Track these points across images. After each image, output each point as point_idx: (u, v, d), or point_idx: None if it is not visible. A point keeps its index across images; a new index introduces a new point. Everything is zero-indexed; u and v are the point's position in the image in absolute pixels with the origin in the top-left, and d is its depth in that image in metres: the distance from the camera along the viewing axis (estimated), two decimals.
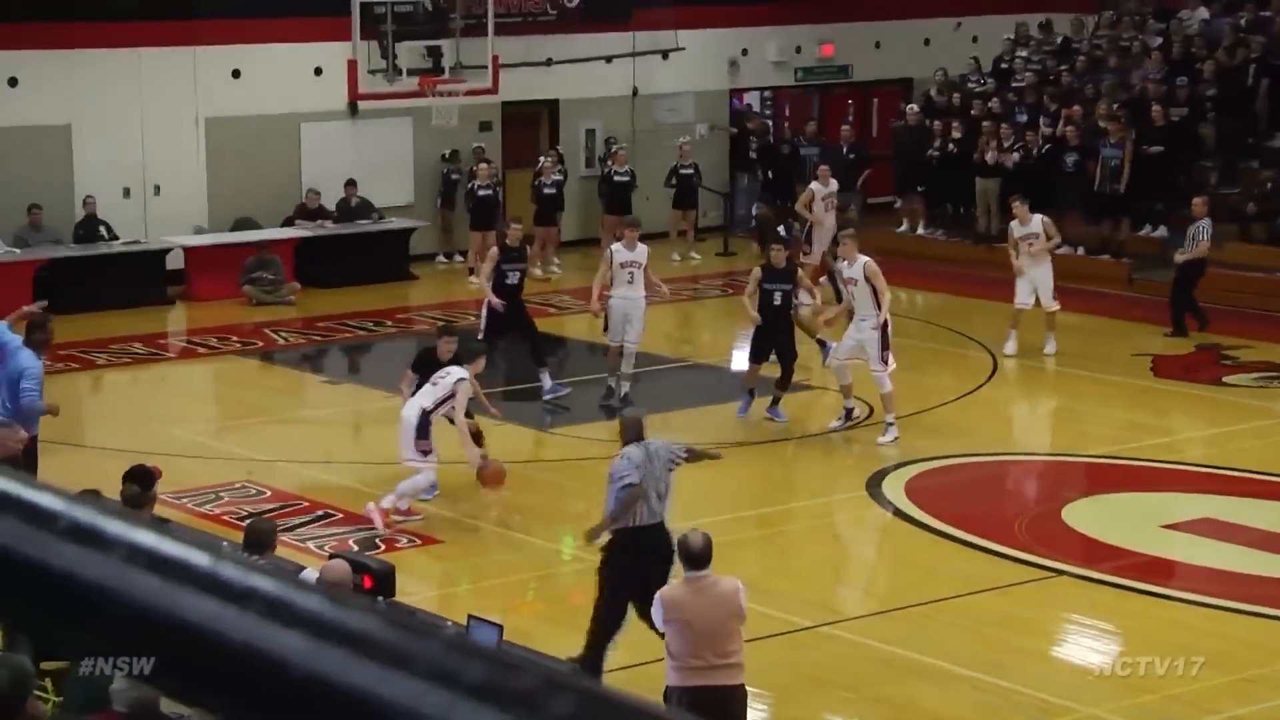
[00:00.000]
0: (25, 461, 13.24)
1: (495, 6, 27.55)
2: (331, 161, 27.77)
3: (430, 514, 15.98)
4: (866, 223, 28.00)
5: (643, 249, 19.71)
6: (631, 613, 11.93)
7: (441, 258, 28.83)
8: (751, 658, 10.93)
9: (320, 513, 16.13)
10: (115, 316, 24.27)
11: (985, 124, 28.36)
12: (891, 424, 18.36)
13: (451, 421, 15.69)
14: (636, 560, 11.91)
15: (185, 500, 16.24)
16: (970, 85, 31.00)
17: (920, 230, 29.70)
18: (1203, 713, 11.95)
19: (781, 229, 25.11)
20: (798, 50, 32.67)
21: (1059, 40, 32.26)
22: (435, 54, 27.42)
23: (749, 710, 10.81)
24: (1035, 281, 22.04)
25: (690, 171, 29.52)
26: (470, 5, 27.57)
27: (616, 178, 28.62)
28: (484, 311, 19.82)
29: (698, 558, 10.29)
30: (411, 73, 27.24)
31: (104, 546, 1.96)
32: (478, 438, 16.13)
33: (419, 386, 15.91)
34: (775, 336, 18.88)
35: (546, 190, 27.99)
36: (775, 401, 19.13)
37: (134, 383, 22.21)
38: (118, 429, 18.98)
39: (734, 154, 31.78)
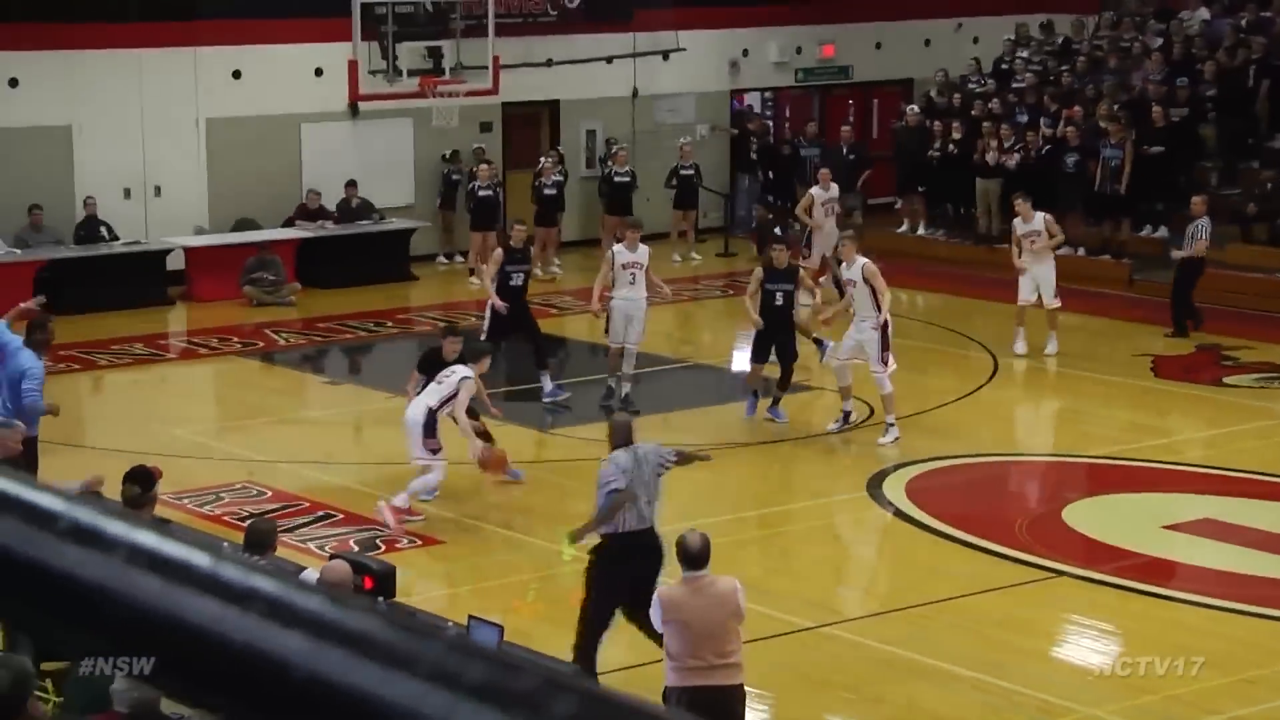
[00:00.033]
0: (26, 462, 13.23)
1: (496, 7, 27.54)
2: (332, 162, 27.78)
3: (431, 514, 15.99)
4: (867, 223, 28.04)
5: (644, 250, 19.71)
6: (619, 617, 11.96)
7: (442, 258, 28.83)
8: (752, 658, 10.94)
9: (321, 513, 16.13)
10: (116, 317, 24.27)
11: (986, 125, 28.36)
12: (892, 425, 18.37)
13: (455, 421, 15.73)
14: (625, 565, 11.93)
15: (186, 501, 16.25)
16: (971, 86, 31.00)
17: (921, 231, 29.71)
18: (1203, 713, 11.95)
19: (778, 229, 25.11)
20: (798, 51, 32.67)
21: (1059, 41, 32.26)
22: (436, 55, 27.42)
23: (749, 710, 10.82)
24: (1038, 279, 22.05)
25: (691, 172, 29.52)
26: (471, 6, 27.57)
27: (617, 178, 28.63)
28: (487, 312, 19.82)
29: (696, 558, 10.29)
30: (412, 73, 27.24)
31: (105, 547, 1.96)
32: (485, 438, 16.19)
33: (424, 386, 15.96)
34: (776, 337, 18.88)
35: (547, 191, 28.00)
36: (776, 402, 19.14)
37: (135, 383, 22.20)
38: (118, 429, 18.98)
39: (734, 155, 31.79)
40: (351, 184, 27.69)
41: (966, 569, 14.89)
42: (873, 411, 19.01)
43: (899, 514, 16.37)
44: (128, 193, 26.61)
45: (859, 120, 32.95)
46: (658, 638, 11.70)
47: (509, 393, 19.99)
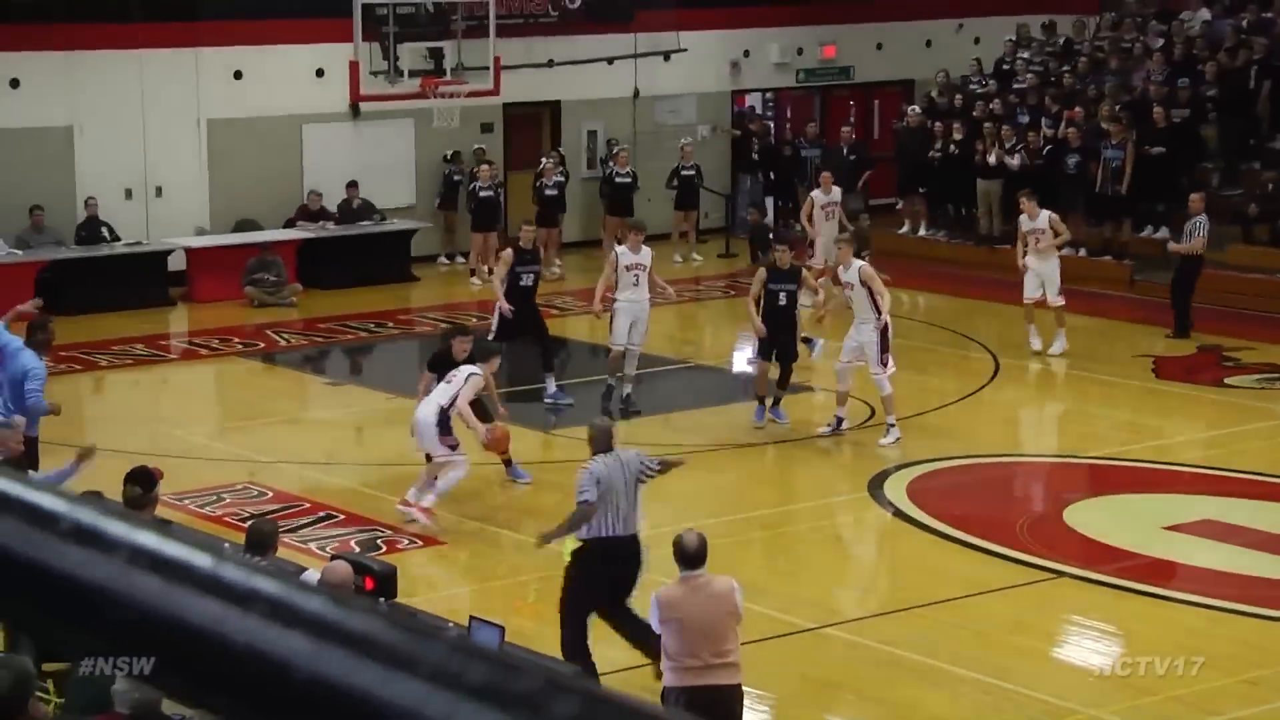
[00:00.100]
0: (27, 462, 13.25)
1: (497, 8, 27.55)
2: (333, 163, 27.79)
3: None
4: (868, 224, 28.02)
5: (647, 252, 19.71)
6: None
7: (443, 259, 28.83)
8: (753, 659, 10.94)
9: (322, 514, 16.13)
10: (117, 318, 24.28)
11: (987, 125, 28.35)
12: (893, 425, 18.37)
13: (458, 410, 15.78)
14: (605, 569, 12.01)
15: (187, 501, 16.25)
16: (972, 87, 30.99)
17: (922, 232, 29.71)
18: (1205, 714, 11.95)
19: (776, 230, 25.10)
20: (799, 52, 32.67)
21: (1061, 41, 32.26)
22: (437, 55, 27.41)
23: (749, 711, 10.82)
24: (1042, 276, 22.06)
25: (692, 173, 29.53)
26: (472, 7, 27.57)
27: (618, 179, 28.64)
28: (496, 312, 19.79)
29: (693, 557, 10.29)
30: (413, 74, 27.23)
31: (106, 548, 1.96)
32: (502, 441, 16.28)
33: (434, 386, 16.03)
34: (779, 337, 18.89)
35: (548, 191, 28.01)
36: (776, 402, 19.15)
37: (136, 384, 22.21)
38: (119, 430, 18.97)
39: (735, 155, 31.79)
40: (353, 185, 27.70)
41: (968, 570, 14.88)
42: (873, 412, 19.00)
43: (900, 515, 16.36)
44: (129, 193, 26.61)
45: (860, 121, 32.96)
46: (635, 640, 11.78)
47: (511, 394, 19.97)
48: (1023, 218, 22.34)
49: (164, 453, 17.02)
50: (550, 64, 29.71)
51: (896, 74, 33.62)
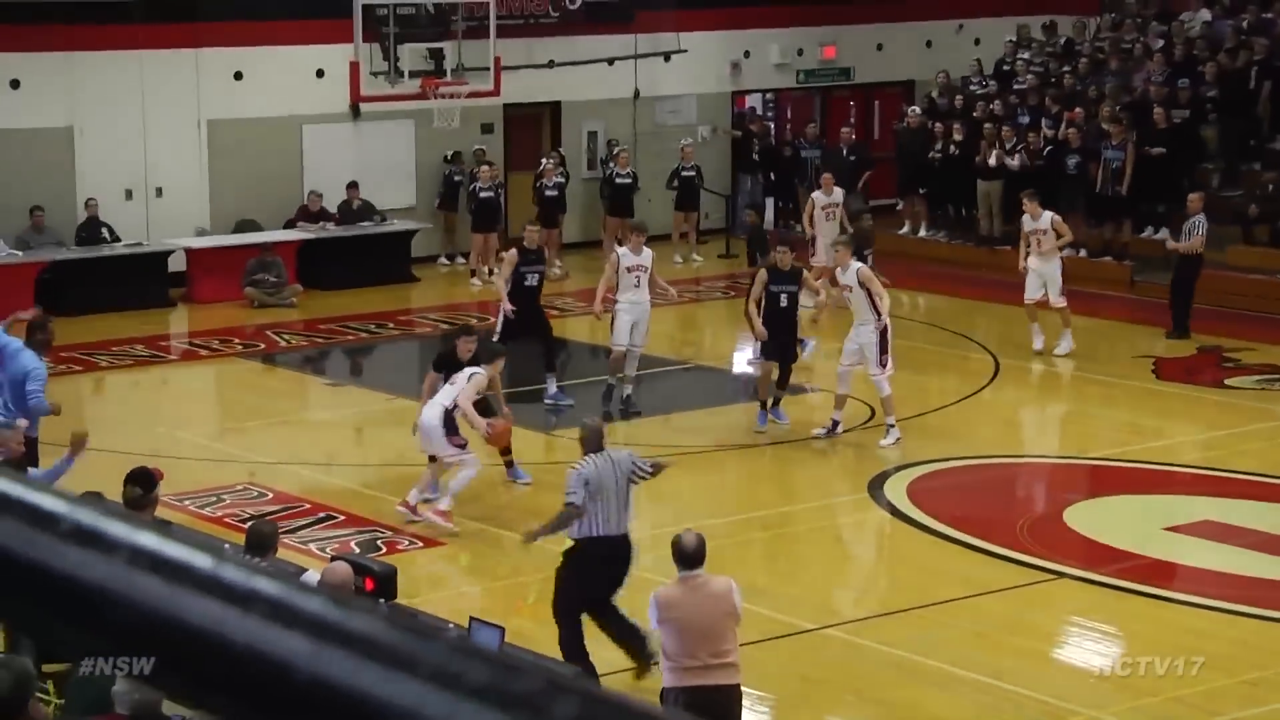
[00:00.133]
0: (27, 462, 13.25)
1: (497, 8, 27.55)
2: (333, 163, 27.79)
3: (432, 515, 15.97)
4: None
5: (648, 253, 19.72)
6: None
7: (443, 260, 28.83)
8: (753, 660, 10.94)
9: (322, 515, 16.13)
10: (117, 318, 24.27)
11: (987, 126, 28.36)
12: (893, 426, 18.37)
13: (459, 407, 15.79)
14: (597, 568, 12.04)
15: (187, 502, 16.25)
16: (972, 87, 31.01)
17: (922, 232, 29.71)
18: (1205, 715, 11.95)
19: (775, 230, 25.11)
20: (800, 52, 32.68)
21: (1061, 42, 32.27)
22: (437, 56, 27.42)
23: (749, 712, 10.81)
24: (1044, 276, 22.07)
25: (692, 173, 29.53)
26: (472, 7, 27.57)
27: (618, 180, 28.65)
28: (500, 313, 19.78)
29: (691, 557, 10.29)
30: (413, 75, 27.23)
31: (106, 548, 1.96)
32: (504, 435, 16.26)
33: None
34: (779, 337, 18.89)
35: (548, 192, 28.02)
36: (776, 403, 19.15)
37: (136, 385, 22.21)
38: (119, 431, 18.96)
39: (736, 156, 31.80)
40: (353, 185, 27.71)
41: (968, 570, 14.88)
42: (873, 413, 19.00)
43: (900, 516, 16.36)
44: (129, 194, 26.61)
45: (860, 122, 32.97)
46: (620, 640, 11.79)
47: (511, 394, 19.95)
48: (1026, 218, 22.35)
49: (164, 453, 17.02)
50: (551, 65, 29.71)
51: (897, 75, 33.62)
